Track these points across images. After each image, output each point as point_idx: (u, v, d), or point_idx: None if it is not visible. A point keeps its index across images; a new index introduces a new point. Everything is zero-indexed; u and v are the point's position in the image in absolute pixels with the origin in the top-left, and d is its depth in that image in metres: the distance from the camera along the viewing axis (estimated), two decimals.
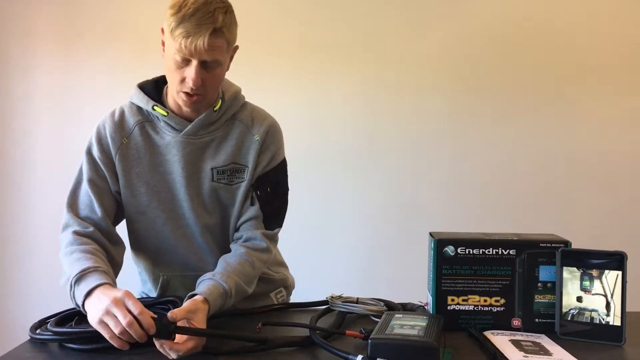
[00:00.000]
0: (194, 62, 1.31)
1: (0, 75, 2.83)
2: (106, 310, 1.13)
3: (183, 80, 1.34)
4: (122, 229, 1.48)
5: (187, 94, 1.36)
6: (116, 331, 1.11)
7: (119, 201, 1.46)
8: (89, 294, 1.19)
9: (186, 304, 1.22)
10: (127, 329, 1.10)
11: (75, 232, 1.36)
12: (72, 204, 1.42)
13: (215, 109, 1.43)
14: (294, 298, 1.70)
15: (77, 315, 1.31)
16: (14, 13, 2.80)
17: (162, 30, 1.36)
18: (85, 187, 1.42)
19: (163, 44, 1.37)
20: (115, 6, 2.78)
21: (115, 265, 1.40)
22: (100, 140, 1.44)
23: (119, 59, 2.77)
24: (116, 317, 1.12)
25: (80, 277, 1.23)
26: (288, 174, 1.54)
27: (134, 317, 1.11)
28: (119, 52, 2.77)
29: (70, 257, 1.30)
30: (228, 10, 1.34)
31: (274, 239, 1.51)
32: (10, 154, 2.85)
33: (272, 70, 2.78)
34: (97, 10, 2.79)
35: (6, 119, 2.84)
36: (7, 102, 2.84)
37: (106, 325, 1.13)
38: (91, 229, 1.38)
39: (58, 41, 2.81)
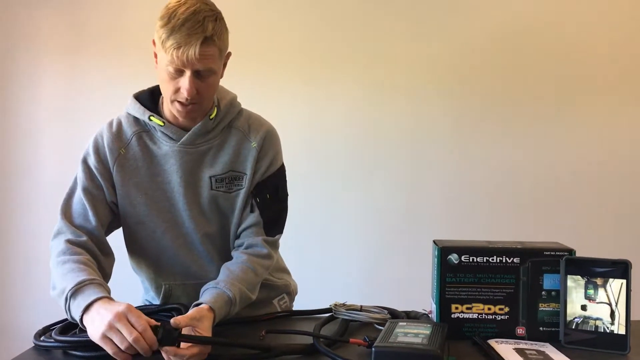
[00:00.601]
0: (187, 72, 1.31)
1: (6, 82, 2.85)
2: (109, 326, 1.12)
3: (177, 90, 1.34)
4: (112, 240, 1.47)
5: (181, 103, 1.36)
6: (122, 347, 1.11)
7: (113, 211, 1.45)
8: (87, 308, 1.18)
9: (191, 311, 1.22)
10: (134, 345, 1.10)
11: (68, 241, 1.35)
12: (66, 211, 1.41)
13: (211, 117, 1.44)
14: (297, 304, 1.69)
15: None
16: (20, 21, 2.82)
17: (154, 42, 1.36)
18: (79, 196, 1.41)
19: (155, 55, 1.37)
20: (120, 14, 2.80)
21: (104, 277, 1.38)
22: (98, 150, 1.44)
23: (124, 66, 2.78)
24: (121, 332, 1.11)
25: (76, 290, 1.22)
26: (287, 179, 1.54)
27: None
28: (124, 59, 2.79)
29: (62, 267, 1.29)
30: (218, 17, 1.34)
31: (275, 245, 1.51)
32: (16, 159, 2.86)
33: (273, 75, 2.78)
34: (102, 18, 2.80)
35: (12, 125, 2.86)
36: (13, 109, 2.85)
37: (110, 340, 1.12)
38: (84, 238, 1.37)
39: (64, 49, 2.82)
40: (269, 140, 1.49)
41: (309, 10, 2.78)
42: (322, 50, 2.79)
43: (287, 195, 1.54)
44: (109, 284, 1.36)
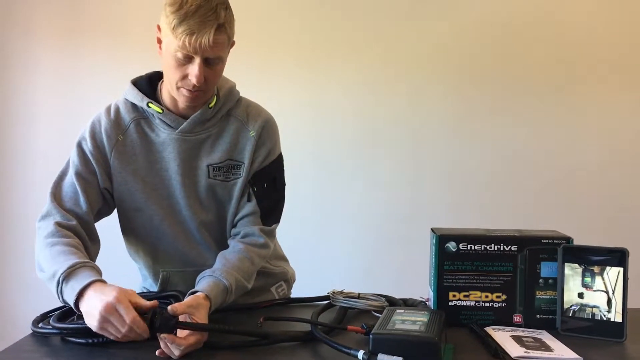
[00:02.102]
0: (197, 59, 1.30)
1: (3, 68, 2.82)
2: (102, 319, 1.12)
3: (185, 77, 1.33)
4: (107, 229, 1.47)
5: (188, 90, 1.35)
6: (118, 337, 1.13)
7: (105, 198, 1.44)
8: (81, 293, 1.17)
9: (187, 299, 1.22)
10: (127, 335, 1.12)
11: (58, 223, 1.34)
12: (56, 194, 1.40)
13: (210, 105, 1.43)
14: (295, 292, 1.70)
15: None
16: (15, 8, 2.79)
17: (159, 27, 1.35)
18: (71, 179, 1.40)
19: (159, 41, 1.36)
20: (117, 0, 2.78)
21: None
22: (95, 135, 1.43)
23: (121, 53, 2.76)
24: (114, 325, 1.12)
25: (69, 273, 1.21)
26: (285, 167, 1.54)
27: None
28: (121, 46, 2.77)
29: (51, 249, 1.28)
30: (227, 6, 1.34)
31: (271, 234, 1.50)
32: (13, 148, 2.85)
33: (273, 66, 2.76)
34: (99, 5, 2.78)
35: (8, 114, 2.84)
36: (9, 98, 2.83)
37: (107, 330, 1.13)
38: (74, 222, 1.36)
39: (60, 36, 2.80)
40: (267, 129, 1.49)
41: (309, 3, 2.76)
42: (320, 35, 2.77)
43: (284, 184, 1.54)
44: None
